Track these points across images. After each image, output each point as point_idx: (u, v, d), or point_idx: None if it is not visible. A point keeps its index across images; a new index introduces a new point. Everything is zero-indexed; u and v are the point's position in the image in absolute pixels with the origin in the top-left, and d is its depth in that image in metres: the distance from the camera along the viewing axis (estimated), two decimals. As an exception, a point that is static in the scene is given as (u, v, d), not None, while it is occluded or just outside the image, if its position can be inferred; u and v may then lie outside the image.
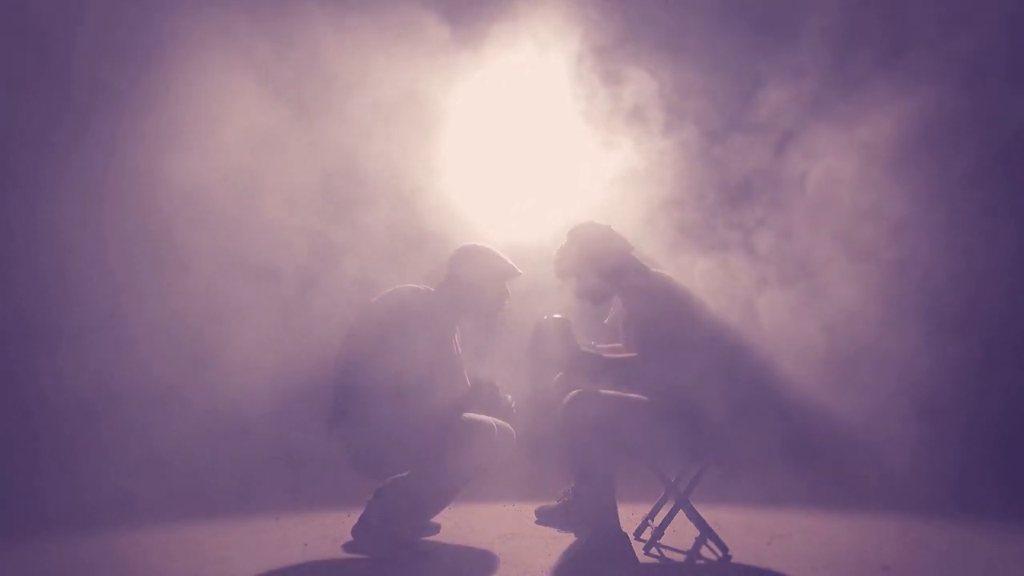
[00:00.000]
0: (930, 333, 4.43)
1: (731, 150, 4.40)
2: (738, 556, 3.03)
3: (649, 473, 3.17)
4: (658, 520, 3.24)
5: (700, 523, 3.06)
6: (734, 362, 3.05)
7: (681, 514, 3.11)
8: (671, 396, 2.96)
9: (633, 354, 3.08)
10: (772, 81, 4.26)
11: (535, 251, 3.92)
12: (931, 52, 4.11)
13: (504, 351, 3.38)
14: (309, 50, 4.27)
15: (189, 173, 4.24)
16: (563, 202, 4.29)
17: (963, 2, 4.19)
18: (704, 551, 3.07)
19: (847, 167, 4.23)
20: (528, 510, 3.65)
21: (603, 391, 3.02)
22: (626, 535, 3.07)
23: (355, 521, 3.27)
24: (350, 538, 3.25)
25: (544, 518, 3.48)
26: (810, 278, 4.10)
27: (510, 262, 3.33)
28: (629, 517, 3.35)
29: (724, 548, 3.05)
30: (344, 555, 3.15)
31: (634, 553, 3.02)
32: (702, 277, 3.58)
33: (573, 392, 3.03)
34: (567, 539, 3.27)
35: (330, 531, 3.45)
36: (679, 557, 3.07)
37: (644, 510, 3.45)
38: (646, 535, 3.27)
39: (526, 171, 4.45)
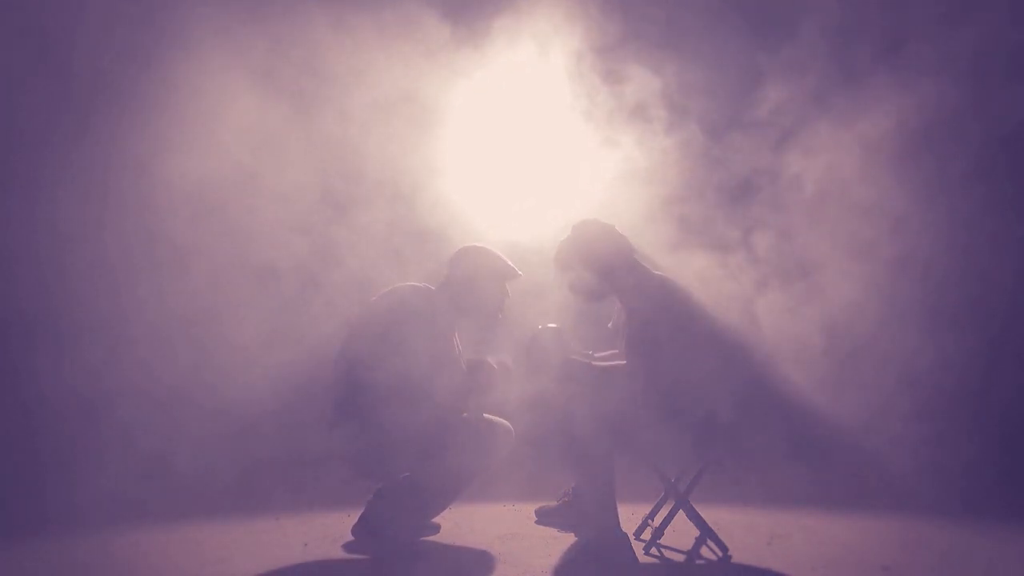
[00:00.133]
0: (931, 332, 4.43)
1: (731, 148, 4.39)
2: (738, 556, 3.03)
3: (649, 473, 3.17)
4: (658, 520, 3.24)
5: (700, 523, 3.06)
6: (732, 363, 3.05)
7: (681, 514, 3.11)
8: (665, 398, 2.95)
9: (623, 362, 3.09)
10: (772, 78, 4.25)
11: (535, 251, 3.92)
12: (931, 47, 4.10)
13: (503, 351, 3.37)
14: (309, 49, 4.26)
15: (189, 172, 4.24)
16: (563, 201, 4.29)
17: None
18: (704, 551, 3.07)
19: (848, 164, 4.23)
20: (528, 510, 3.65)
21: (600, 393, 3.02)
22: (626, 535, 3.07)
23: (355, 521, 3.27)
24: (350, 538, 3.25)
25: (544, 518, 3.48)
26: (810, 277, 4.09)
27: (510, 263, 3.33)
28: (629, 517, 3.35)
29: (724, 548, 3.04)
30: (344, 555, 3.15)
31: (634, 553, 3.02)
32: (702, 276, 3.58)
33: (570, 396, 3.03)
34: (567, 539, 3.27)
35: (330, 531, 3.45)
36: (679, 557, 3.07)
37: (644, 510, 3.45)
38: (646, 535, 3.27)
39: (525, 170, 4.45)
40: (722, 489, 3.87)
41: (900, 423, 4.23)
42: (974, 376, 4.47)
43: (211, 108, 4.21)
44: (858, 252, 4.23)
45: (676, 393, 2.96)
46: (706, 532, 3.04)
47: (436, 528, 3.42)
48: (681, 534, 3.22)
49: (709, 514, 3.14)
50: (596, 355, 3.41)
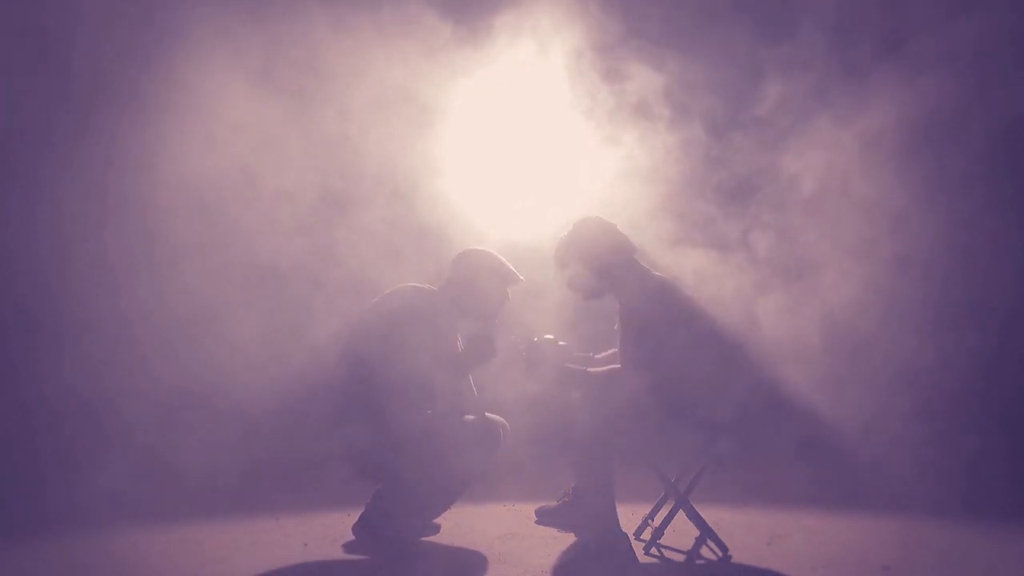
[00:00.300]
0: (931, 331, 4.43)
1: (730, 146, 4.39)
2: (738, 556, 3.03)
3: (649, 473, 3.17)
4: (658, 520, 3.24)
5: (700, 523, 3.06)
6: (729, 363, 3.04)
7: (681, 514, 3.11)
8: (660, 397, 2.95)
9: (617, 366, 3.09)
10: (772, 76, 4.25)
11: (533, 251, 3.92)
12: (932, 43, 4.09)
13: (503, 353, 3.37)
14: (308, 48, 4.26)
15: (189, 172, 4.24)
16: (563, 200, 4.29)
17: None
18: (704, 551, 3.07)
19: (848, 163, 4.22)
20: (528, 510, 3.65)
21: (597, 397, 3.02)
22: (626, 535, 3.07)
23: (355, 521, 3.27)
24: (350, 538, 3.25)
25: (544, 518, 3.48)
26: (810, 276, 4.09)
27: (512, 268, 3.34)
28: (629, 517, 3.35)
29: (724, 548, 3.05)
30: (344, 555, 3.14)
31: (634, 553, 3.02)
32: (702, 274, 3.58)
33: (570, 396, 3.03)
34: (567, 539, 3.27)
35: (330, 531, 3.45)
36: (679, 557, 3.07)
37: (644, 510, 3.45)
38: (646, 535, 3.27)
39: (525, 169, 4.44)
40: (722, 489, 3.87)
41: (900, 423, 4.23)
42: (974, 376, 4.47)
43: (211, 108, 4.21)
44: (858, 251, 4.23)
45: (671, 393, 2.96)
46: (706, 532, 3.04)
47: (436, 528, 3.42)
48: (681, 534, 3.22)
49: (709, 514, 3.14)
50: (595, 356, 3.42)
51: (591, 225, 3.23)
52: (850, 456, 4.33)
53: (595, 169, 4.24)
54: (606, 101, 4.19)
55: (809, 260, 4.16)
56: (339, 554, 3.15)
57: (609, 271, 3.17)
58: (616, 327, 3.26)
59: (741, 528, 3.40)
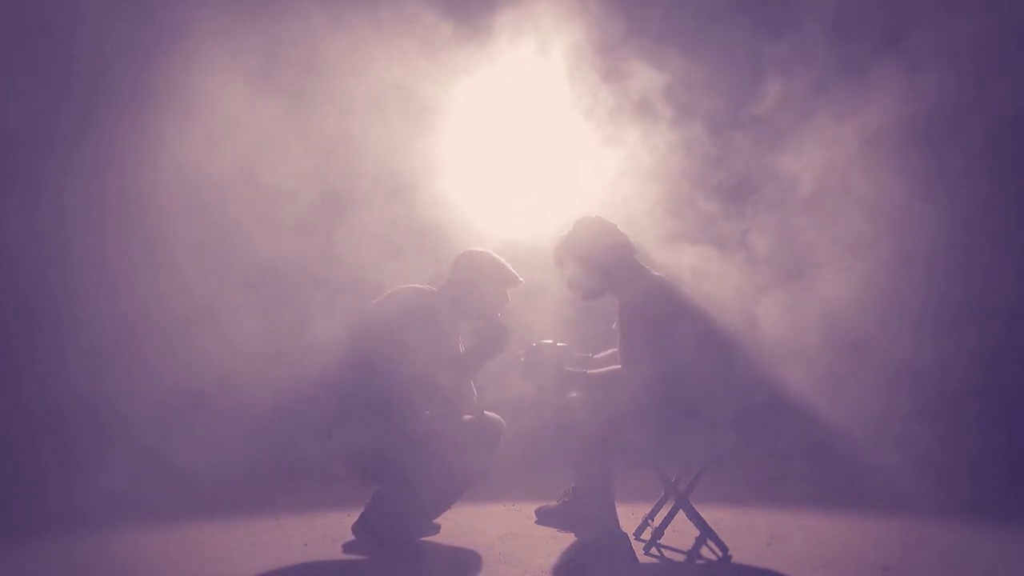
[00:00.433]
0: (931, 331, 4.43)
1: (730, 145, 4.39)
2: (738, 556, 3.03)
3: (649, 473, 3.17)
4: (658, 520, 3.24)
5: (700, 523, 3.06)
6: (729, 364, 3.04)
7: (681, 514, 3.11)
8: (659, 397, 2.95)
9: (617, 367, 3.09)
10: (772, 74, 4.25)
11: (532, 250, 3.92)
12: (932, 39, 4.09)
13: (503, 356, 3.38)
14: (308, 47, 4.26)
15: (189, 170, 4.24)
16: (562, 200, 4.29)
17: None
18: (704, 551, 3.07)
19: (849, 160, 4.22)
20: (528, 510, 3.65)
21: (596, 398, 3.02)
22: (626, 535, 3.07)
23: (355, 521, 3.26)
24: (350, 538, 3.25)
25: (544, 518, 3.48)
26: (809, 275, 4.09)
27: (512, 269, 3.34)
28: (629, 517, 3.35)
29: (724, 548, 3.04)
30: (344, 555, 3.15)
31: (634, 553, 3.02)
32: (701, 273, 3.57)
33: (569, 397, 3.04)
34: (567, 539, 3.27)
35: (330, 531, 3.45)
36: (679, 557, 3.07)
37: (644, 510, 3.45)
38: (646, 535, 3.26)
39: (523, 168, 4.44)
40: (722, 489, 3.87)
41: (900, 422, 4.23)
42: (974, 375, 4.47)
43: (212, 107, 4.21)
44: (858, 249, 4.22)
45: (671, 392, 2.95)
46: (706, 532, 3.04)
47: (436, 528, 3.42)
48: (681, 534, 3.22)
49: (709, 514, 3.14)
50: (594, 356, 3.41)
51: (591, 225, 3.23)
52: (850, 456, 4.33)
53: (595, 168, 4.24)
54: (605, 100, 4.19)
55: (809, 259, 4.16)
56: (339, 554, 3.16)
57: (609, 271, 3.17)
58: (615, 327, 3.26)
59: (741, 528, 3.40)
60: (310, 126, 4.32)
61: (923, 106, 4.08)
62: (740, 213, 4.22)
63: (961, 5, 4.10)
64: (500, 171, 4.43)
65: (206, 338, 4.38)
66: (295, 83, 4.31)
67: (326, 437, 3.19)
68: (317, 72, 4.27)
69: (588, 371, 3.15)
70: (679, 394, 2.96)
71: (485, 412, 3.35)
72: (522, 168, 4.43)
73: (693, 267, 3.60)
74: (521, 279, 3.36)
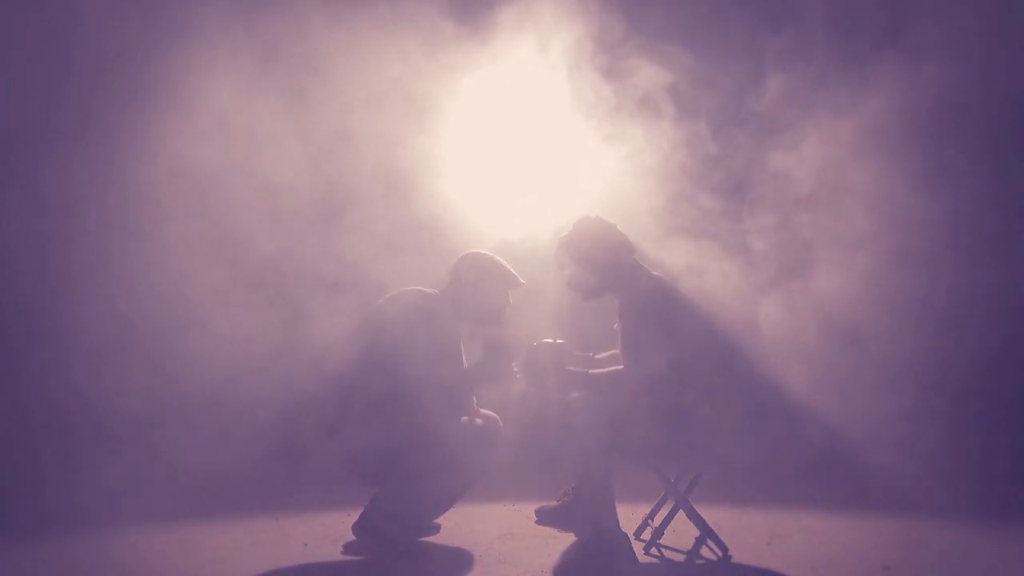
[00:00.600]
0: (932, 331, 4.42)
1: (732, 142, 4.39)
2: (738, 556, 3.03)
3: (649, 473, 3.17)
4: (658, 520, 3.24)
5: (700, 523, 3.06)
6: (727, 364, 3.04)
7: (681, 514, 3.11)
8: (659, 400, 2.95)
9: (620, 367, 3.09)
10: (774, 69, 4.24)
11: (533, 252, 3.92)
12: (931, 30, 4.08)
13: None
14: (308, 46, 4.26)
15: (188, 169, 4.24)
16: (563, 200, 4.28)
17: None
18: (704, 551, 3.07)
19: (850, 157, 4.22)
20: (528, 510, 3.65)
21: (597, 398, 3.02)
22: (626, 535, 3.07)
23: (355, 521, 3.26)
24: (350, 538, 3.25)
25: (544, 518, 3.48)
26: (811, 274, 4.09)
27: (512, 271, 3.34)
28: (629, 517, 3.35)
29: (724, 548, 3.04)
30: (344, 555, 3.15)
31: (634, 553, 3.02)
32: (703, 273, 3.57)
33: (570, 397, 3.03)
34: (567, 539, 3.27)
35: (330, 531, 3.45)
36: (679, 557, 3.07)
37: (644, 510, 3.45)
38: (646, 535, 3.27)
39: (522, 167, 4.44)
40: (722, 489, 3.87)
41: (900, 422, 4.23)
42: (975, 375, 4.47)
43: (212, 106, 4.21)
44: (858, 248, 4.22)
45: (672, 393, 2.95)
46: (706, 532, 3.04)
47: (436, 528, 3.42)
48: (681, 534, 3.22)
49: (709, 514, 3.14)
50: (596, 356, 3.41)
51: (591, 224, 3.23)
52: (850, 456, 4.33)
53: (594, 167, 4.24)
54: (604, 98, 4.18)
55: (809, 257, 4.16)
56: (339, 554, 3.16)
57: (609, 270, 3.17)
58: (616, 327, 3.26)
59: (741, 528, 3.40)
60: (310, 125, 4.32)
61: (926, 100, 4.07)
62: (741, 211, 4.21)
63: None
64: (499, 170, 4.42)
65: (206, 338, 4.38)
66: (296, 82, 4.31)
67: (327, 437, 3.19)
68: (317, 70, 4.26)
69: (590, 371, 3.15)
70: (680, 394, 2.96)
71: (481, 410, 3.35)
72: (520, 167, 4.42)
73: (694, 266, 3.60)
74: (522, 280, 3.36)
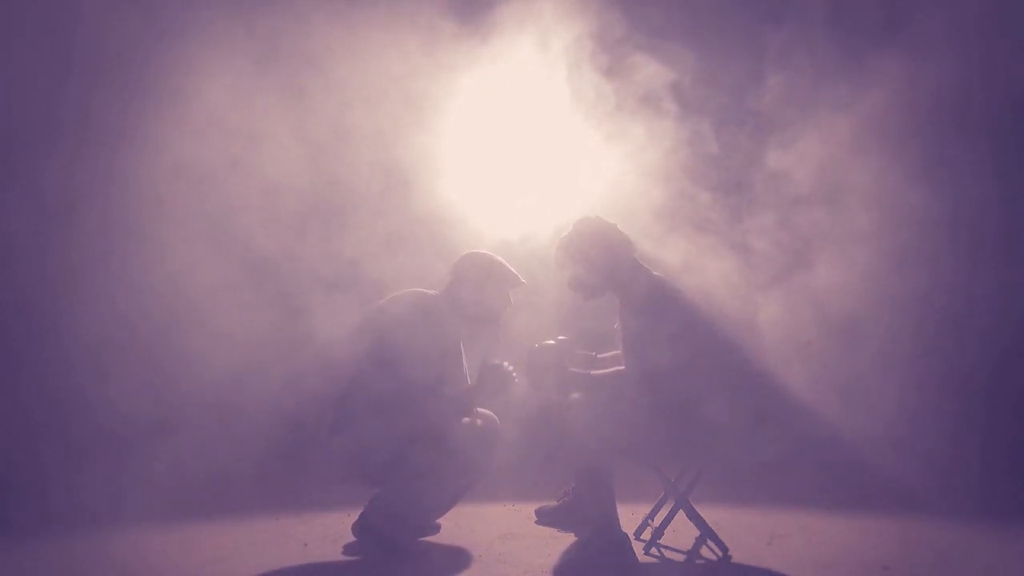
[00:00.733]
0: (932, 330, 4.42)
1: (731, 140, 4.38)
2: (738, 556, 3.03)
3: (649, 473, 3.17)
4: (658, 520, 3.24)
5: (700, 523, 3.06)
6: (730, 363, 3.04)
7: (681, 514, 3.11)
8: (660, 400, 2.95)
9: (621, 367, 3.09)
10: (775, 67, 4.24)
11: (533, 253, 3.92)
12: (931, 24, 4.07)
13: (502, 357, 3.37)
14: (308, 43, 4.26)
15: (189, 169, 4.24)
16: (562, 199, 4.28)
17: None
18: (704, 551, 3.07)
19: (851, 154, 4.21)
20: (528, 510, 3.65)
21: (600, 396, 3.02)
22: (626, 535, 3.07)
23: (355, 521, 3.26)
24: (350, 538, 3.25)
25: (544, 518, 3.48)
26: (811, 272, 4.09)
27: (513, 270, 3.33)
28: (629, 517, 3.35)
29: (724, 548, 3.04)
30: (344, 555, 3.15)
31: (634, 553, 3.02)
32: (703, 272, 3.57)
33: (572, 397, 3.04)
34: (567, 539, 3.27)
35: (330, 531, 3.45)
36: (679, 557, 3.07)
37: (644, 510, 3.45)
38: (646, 535, 3.27)
39: (520, 167, 4.43)
40: (722, 489, 3.87)
41: (900, 422, 4.23)
42: (975, 375, 4.46)
43: (211, 105, 4.21)
44: (859, 247, 4.22)
45: (673, 393, 2.95)
46: (706, 532, 3.04)
47: (436, 528, 3.42)
48: (681, 534, 3.22)
49: (709, 514, 3.14)
50: (599, 356, 3.41)
51: (591, 224, 3.23)
52: (850, 456, 4.33)
53: (594, 166, 4.24)
54: (604, 96, 4.18)
55: (810, 256, 4.15)
56: (339, 554, 3.16)
57: (609, 270, 3.16)
58: (616, 326, 3.26)
59: (741, 528, 3.40)
60: (310, 123, 4.32)
61: (928, 97, 4.06)
62: (741, 210, 4.21)
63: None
64: (498, 169, 4.42)
65: (206, 337, 4.37)
66: (296, 81, 4.31)
67: (327, 438, 3.19)
68: (318, 69, 4.26)
69: (591, 372, 3.15)
70: (681, 393, 2.96)
71: (480, 411, 3.34)
72: (519, 166, 4.42)
73: (694, 264, 3.59)
74: (523, 280, 3.35)
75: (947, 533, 3.37)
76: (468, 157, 4.41)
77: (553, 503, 3.48)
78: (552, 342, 3.13)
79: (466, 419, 3.25)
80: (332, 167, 4.40)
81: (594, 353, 3.42)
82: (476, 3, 4.25)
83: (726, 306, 3.26)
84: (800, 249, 4.16)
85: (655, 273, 3.18)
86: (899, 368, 4.33)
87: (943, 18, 4.09)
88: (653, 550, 3.12)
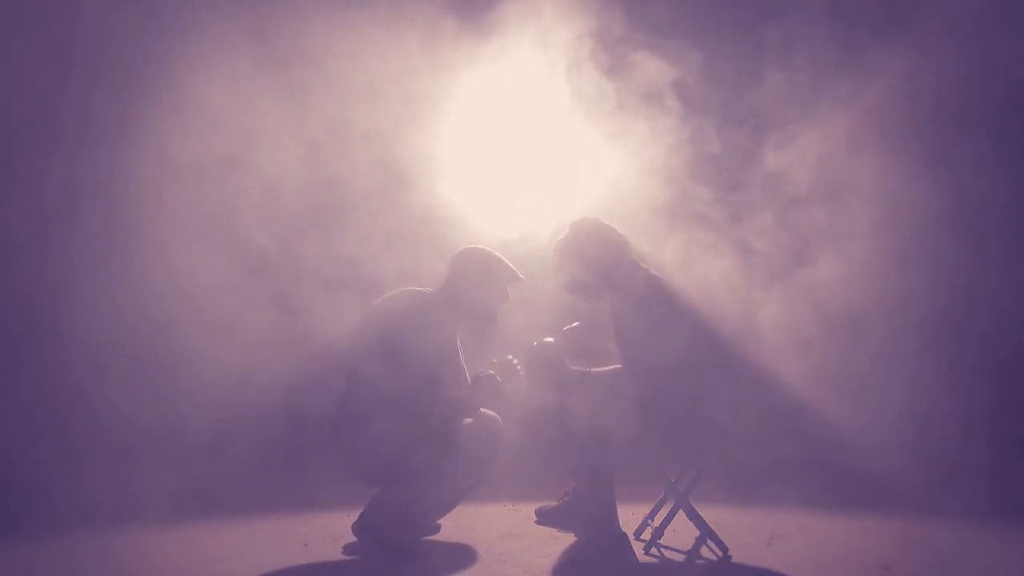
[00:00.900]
0: (932, 330, 4.42)
1: (732, 139, 4.38)
2: (738, 556, 3.03)
3: (649, 473, 3.17)
4: (658, 520, 3.24)
5: (700, 523, 3.06)
6: (728, 363, 3.04)
7: (681, 514, 3.11)
8: (658, 398, 2.95)
9: (619, 365, 3.09)
10: (776, 64, 4.23)
11: (532, 253, 3.91)
12: (930, 19, 4.06)
13: (502, 354, 3.37)
14: (307, 43, 4.26)
15: (188, 169, 4.24)
16: (559, 199, 4.28)
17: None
18: (704, 551, 3.07)
19: (852, 152, 4.21)
20: (528, 510, 3.65)
21: (600, 395, 3.02)
22: (626, 535, 3.07)
23: (355, 520, 3.26)
24: (350, 538, 3.25)
25: (544, 518, 3.48)
26: (810, 271, 4.08)
27: (511, 266, 3.32)
28: (629, 517, 3.35)
29: (724, 548, 3.04)
30: (344, 555, 3.15)
31: (634, 553, 3.02)
32: (701, 271, 3.57)
33: (571, 397, 3.04)
34: (567, 539, 3.27)
35: (330, 531, 3.45)
36: (679, 557, 3.07)
37: (644, 510, 3.45)
38: (646, 535, 3.27)
39: (518, 167, 4.43)
40: (722, 489, 3.86)
41: (900, 422, 4.23)
42: (975, 375, 4.46)
43: (211, 105, 4.21)
44: (859, 245, 4.22)
45: (671, 392, 2.95)
46: (706, 532, 3.04)
47: (436, 528, 3.42)
48: (681, 534, 3.22)
49: (709, 514, 3.14)
50: (610, 346, 3.37)
51: (588, 226, 3.23)
52: (850, 456, 4.33)
53: (593, 166, 4.24)
54: (603, 95, 4.18)
55: (810, 254, 4.15)
56: (339, 554, 3.16)
57: (607, 270, 3.16)
58: (609, 321, 3.27)
59: (741, 528, 3.40)
60: (310, 122, 4.32)
61: (928, 93, 4.06)
62: (741, 209, 4.21)
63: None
64: (497, 168, 4.42)
65: (206, 336, 4.37)
66: (295, 80, 4.31)
67: (329, 438, 3.19)
68: (317, 68, 4.26)
69: (591, 370, 3.14)
70: (679, 393, 2.96)
71: (483, 411, 3.34)
72: (518, 165, 4.42)
73: (694, 264, 3.59)
74: (521, 276, 3.34)
75: (947, 533, 3.37)
76: (468, 156, 4.41)
77: (553, 503, 3.48)
78: (551, 339, 3.13)
79: (469, 420, 3.25)
80: (332, 165, 4.40)
81: (610, 345, 3.38)
82: (476, 1, 4.25)
83: (725, 305, 3.26)
84: (800, 247, 4.16)
85: (653, 272, 3.18)
86: (900, 367, 4.32)
87: (944, 13, 4.08)
88: (653, 550, 3.12)
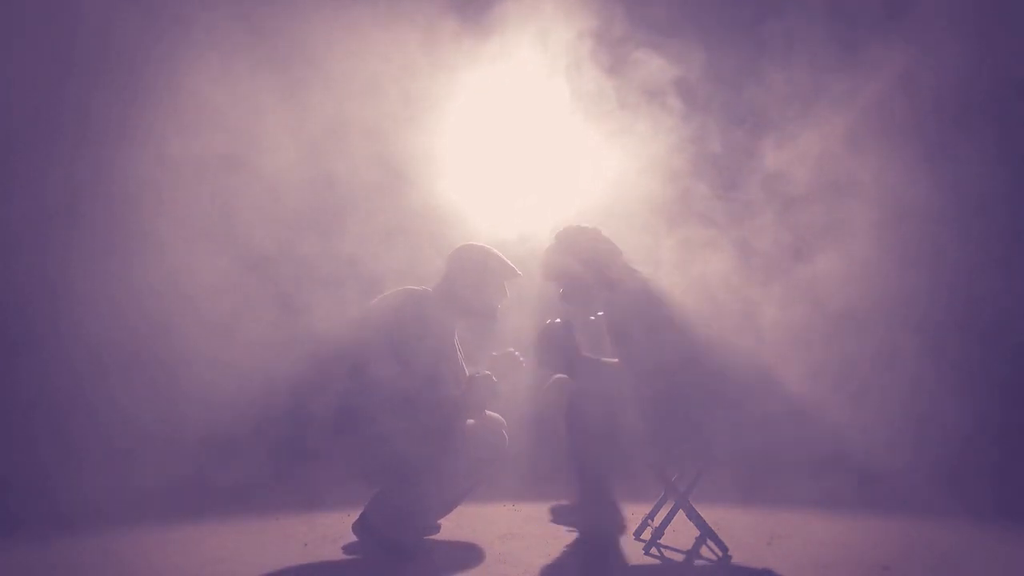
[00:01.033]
0: (932, 330, 4.42)
1: (732, 138, 4.38)
2: (738, 556, 3.02)
3: (649, 473, 3.17)
4: (658, 520, 3.24)
5: (700, 523, 3.05)
6: (708, 363, 3.03)
7: (681, 514, 3.11)
8: (657, 397, 2.95)
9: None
10: (775, 64, 4.23)
11: (533, 252, 3.91)
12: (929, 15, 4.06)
13: (504, 347, 3.37)
14: (307, 42, 4.26)
15: (188, 168, 4.24)
16: (555, 198, 4.27)
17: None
18: (704, 551, 3.06)
19: (846, 153, 4.21)
20: (528, 510, 3.66)
21: (600, 392, 3.02)
22: (624, 527, 3.07)
23: (355, 520, 3.26)
24: (350, 538, 3.25)
25: (559, 517, 3.49)
26: (809, 271, 4.08)
27: (509, 263, 3.31)
28: (629, 517, 3.35)
29: (724, 548, 3.04)
30: (344, 555, 3.15)
31: (634, 553, 3.02)
32: (696, 271, 3.57)
33: (572, 394, 3.03)
34: (567, 539, 3.27)
35: (330, 531, 3.45)
36: (679, 557, 3.07)
37: (644, 510, 3.45)
38: (646, 535, 3.27)
39: (522, 167, 4.43)
40: (722, 489, 3.86)
41: (900, 422, 4.23)
42: (976, 374, 4.46)
43: (212, 104, 4.21)
44: (861, 244, 4.21)
45: (668, 393, 2.95)
46: (706, 532, 3.04)
47: (436, 528, 3.42)
48: (681, 534, 3.22)
49: (709, 514, 3.14)
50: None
51: (576, 234, 3.22)
52: (850, 456, 4.32)
53: (592, 165, 4.24)
54: (602, 94, 4.17)
55: (810, 253, 4.15)
56: (339, 554, 3.16)
57: (603, 271, 3.16)
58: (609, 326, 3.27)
59: (741, 528, 3.40)
60: (310, 121, 4.31)
61: (930, 87, 4.05)
62: (740, 207, 4.21)
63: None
64: (495, 167, 4.42)
65: (206, 336, 4.38)
66: (295, 80, 4.31)
67: (331, 438, 3.19)
68: (317, 67, 4.26)
69: (601, 359, 3.13)
70: (676, 393, 2.95)
71: (487, 412, 3.33)
72: (515, 164, 4.42)
73: (693, 263, 3.59)
74: (519, 272, 3.33)
75: (947, 533, 3.37)
76: (468, 155, 4.41)
77: (567, 503, 3.48)
78: (562, 320, 3.11)
79: (471, 421, 3.24)
80: (332, 165, 4.39)
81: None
82: (476, 1, 4.24)
83: (723, 304, 3.26)
84: (800, 246, 4.16)
85: (644, 275, 3.18)
86: (900, 366, 4.32)
87: (944, 11, 4.08)
88: (653, 550, 3.12)
